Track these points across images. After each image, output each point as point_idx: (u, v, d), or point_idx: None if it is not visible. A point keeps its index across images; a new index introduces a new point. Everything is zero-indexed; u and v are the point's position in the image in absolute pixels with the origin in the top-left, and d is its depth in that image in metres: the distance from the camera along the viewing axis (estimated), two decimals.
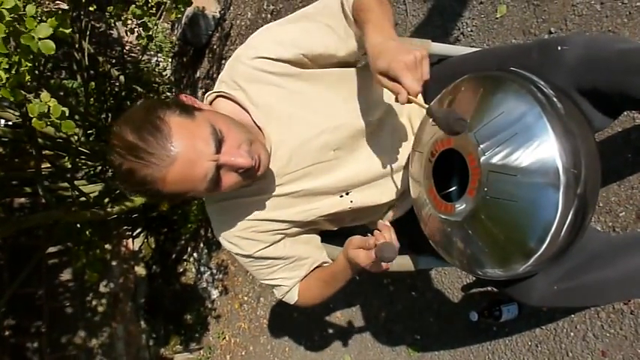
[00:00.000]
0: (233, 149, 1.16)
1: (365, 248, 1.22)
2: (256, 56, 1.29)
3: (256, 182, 1.32)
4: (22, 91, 1.88)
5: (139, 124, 1.09)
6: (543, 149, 1.00)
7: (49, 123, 1.97)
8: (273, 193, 1.36)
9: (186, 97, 1.25)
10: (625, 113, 1.78)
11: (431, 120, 1.06)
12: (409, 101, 1.06)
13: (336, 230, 1.55)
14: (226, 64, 1.36)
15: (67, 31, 1.87)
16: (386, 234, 1.21)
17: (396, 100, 1.08)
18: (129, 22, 3.70)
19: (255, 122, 1.31)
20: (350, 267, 1.33)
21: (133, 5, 3.42)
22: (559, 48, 1.19)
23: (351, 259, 1.26)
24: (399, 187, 1.45)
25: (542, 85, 1.08)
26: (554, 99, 1.05)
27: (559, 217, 1.00)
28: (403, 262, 1.54)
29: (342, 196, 1.40)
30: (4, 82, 1.76)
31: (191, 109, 1.17)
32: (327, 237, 1.56)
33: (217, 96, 1.36)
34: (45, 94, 1.95)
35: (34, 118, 1.97)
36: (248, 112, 1.32)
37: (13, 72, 1.75)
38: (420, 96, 1.07)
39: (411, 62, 1.05)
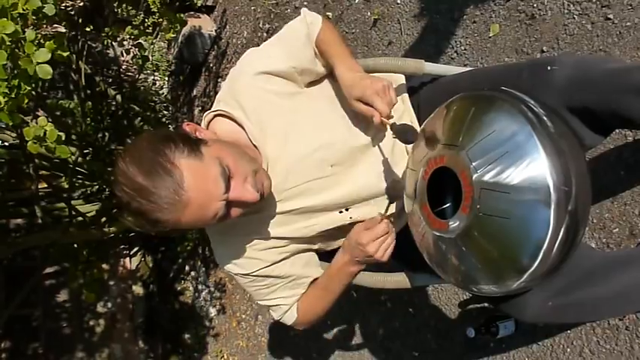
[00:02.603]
0: (240, 185, 1.18)
1: (371, 227, 1.29)
2: (253, 73, 1.34)
3: None
4: (20, 115, 1.90)
5: (148, 166, 1.11)
6: (534, 167, 1.02)
7: (44, 147, 1.99)
8: (273, 211, 1.37)
9: (188, 126, 1.27)
10: (617, 130, 1.80)
11: (392, 134, 1.26)
12: (382, 122, 1.24)
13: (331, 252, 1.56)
14: (223, 85, 1.41)
15: (65, 53, 1.89)
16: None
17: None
18: (125, 42, 3.73)
19: (251, 140, 1.34)
20: (348, 261, 1.38)
21: (129, 26, 3.45)
22: (549, 68, 1.21)
23: (353, 241, 1.32)
24: (397, 203, 1.46)
25: (532, 105, 1.09)
26: (545, 118, 1.07)
27: (551, 234, 1.02)
28: (399, 280, 1.54)
29: (341, 212, 1.42)
30: (2, 105, 1.77)
31: (196, 145, 1.18)
32: (325, 256, 1.56)
33: (215, 115, 1.38)
34: (42, 119, 1.97)
35: (30, 142, 1.98)
36: (245, 130, 1.34)
37: (13, 95, 1.77)
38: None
39: (381, 89, 1.24)
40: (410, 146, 1.41)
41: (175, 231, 1.23)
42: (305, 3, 3.60)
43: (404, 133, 1.24)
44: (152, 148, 1.14)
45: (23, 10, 1.78)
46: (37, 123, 2.00)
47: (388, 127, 1.26)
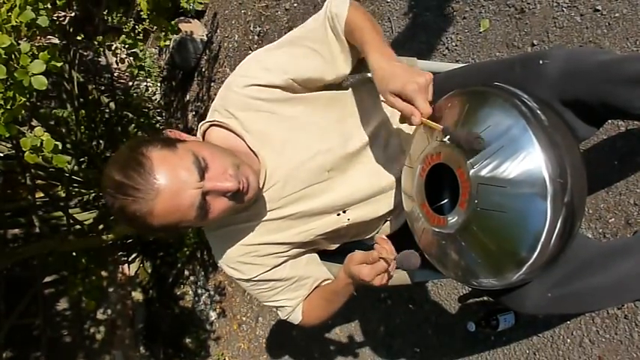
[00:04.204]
0: (218, 174, 1.18)
1: (368, 263, 1.23)
2: (246, 84, 1.33)
3: (253, 207, 1.35)
4: (17, 126, 1.90)
5: (123, 162, 1.14)
6: (530, 161, 1.03)
7: (41, 157, 1.99)
8: (271, 217, 1.38)
9: (171, 132, 1.29)
10: (609, 121, 1.82)
11: (446, 139, 1.11)
12: (422, 122, 1.11)
13: (334, 249, 1.57)
14: (218, 94, 1.40)
15: (59, 64, 1.89)
16: (386, 246, 1.23)
17: (404, 122, 1.15)
18: (118, 51, 3.73)
19: (250, 148, 1.34)
20: (351, 283, 1.34)
21: (123, 35, 3.45)
22: (540, 62, 1.22)
23: (354, 275, 1.26)
24: (394, 201, 1.48)
25: (526, 99, 1.11)
26: (538, 111, 1.08)
27: (548, 226, 1.03)
28: (399, 276, 1.55)
29: (339, 215, 1.43)
30: None
31: (174, 142, 1.20)
32: (326, 255, 1.57)
33: (211, 125, 1.39)
34: (38, 129, 1.97)
35: (27, 152, 1.98)
36: (243, 139, 1.35)
37: (8, 107, 1.77)
38: None
39: (424, 85, 1.11)
40: (405, 144, 1.42)
41: (161, 230, 1.22)
42: (295, 5, 3.61)
43: (469, 141, 1.07)
44: (129, 147, 1.19)
45: (16, 22, 1.78)
46: (32, 133, 2.01)
47: (440, 130, 1.12)
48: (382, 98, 1.18)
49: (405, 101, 1.12)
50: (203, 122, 1.40)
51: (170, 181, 1.12)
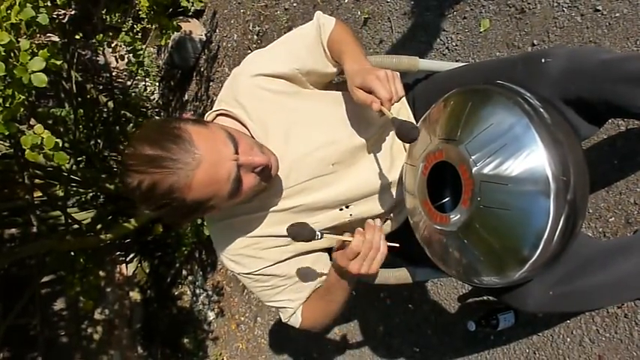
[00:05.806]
0: (248, 151, 1.21)
1: (344, 248, 1.26)
2: (254, 74, 1.37)
3: (257, 199, 1.35)
4: (16, 124, 1.90)
5: (157, 136, 1.14)
6: (533, 158, 1.03)
7: (41, 154, 1.99)
8: (274, 209, 1.38)
9: (187, 115, 1.29)
10: (610, 120, 1.82)
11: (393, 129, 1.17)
12: (381, 110, 1.19)
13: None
14: (225, 84, 1.43)
15: (59, 62, 1.89)
16: (368, 234, 1.24)
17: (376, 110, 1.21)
18: (118, 48, 3.73)
19: (254, 138, 1.35)
20: (340, 276, 1.35)
21: (123, 32, 3.45)
22: (543, 60, 1.23)
23: (337, 263, 1.30)
24: (397, 198, 1.48)
25: (528, 97, 1.11)
26: (541, 109, 1.09)
27: (551, 224, 1.03)
28: (401, 275, 1.55)
29: (341, 209, 1.43)
30: None
31: (201, 121, 1.23)
32: None
33: (217, 115, 1.41)
34: (39, 127, 1.97)
35: (27, 150, 1.98)
36: (247, 129, 1.36)
37: (7, 105, 1.77)
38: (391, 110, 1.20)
39: (383, 76, 1.20)
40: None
41: (192, 209, 1.21)
42: (294, 4, 3.61)
43: (406, 130, 1.15)
44: (158, 124, 1.20)
45: (16, 20, 1.78)
46: (32, 131, 2.00)
47: (390, 118, 1.18)
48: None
49: (367, 92, 1.22)
50: (210, 112, 1.41)
51: (210, 152, 1.14)
